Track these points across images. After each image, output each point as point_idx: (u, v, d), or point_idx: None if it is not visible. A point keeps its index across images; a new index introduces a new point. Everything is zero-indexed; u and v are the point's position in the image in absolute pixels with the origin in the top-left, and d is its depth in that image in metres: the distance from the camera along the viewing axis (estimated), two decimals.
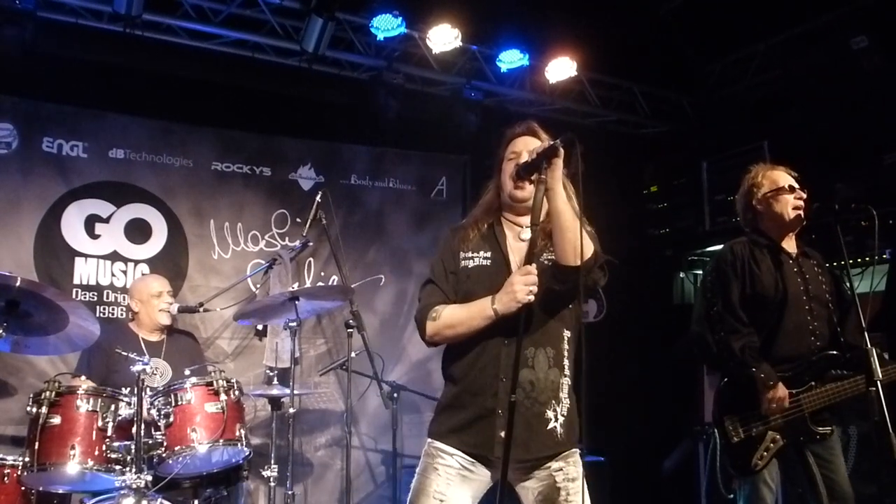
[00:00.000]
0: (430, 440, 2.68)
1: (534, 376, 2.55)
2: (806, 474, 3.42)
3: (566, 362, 2.64)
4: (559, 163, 2.48)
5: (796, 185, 3.56)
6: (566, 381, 2.63)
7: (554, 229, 2.54)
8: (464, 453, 2.59)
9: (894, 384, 3.27)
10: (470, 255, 2.73)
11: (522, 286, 2.47)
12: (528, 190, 2.67)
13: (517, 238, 2.75)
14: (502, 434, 2.47)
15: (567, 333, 2.67)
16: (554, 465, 2.59)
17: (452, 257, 2.76)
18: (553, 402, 2.58)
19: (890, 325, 4.19)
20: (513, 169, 2.69)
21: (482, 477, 2.62)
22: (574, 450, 2.63)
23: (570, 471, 2.60)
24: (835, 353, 3.45)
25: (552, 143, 2.49)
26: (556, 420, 2.58)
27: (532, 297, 2.47)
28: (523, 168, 2.59)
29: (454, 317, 2.63)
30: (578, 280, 2.52)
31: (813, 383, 3.42)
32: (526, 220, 2.72)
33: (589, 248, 2.53)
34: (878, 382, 2.91)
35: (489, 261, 2.71)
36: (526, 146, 2.73)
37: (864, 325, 3.00)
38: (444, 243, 2.85)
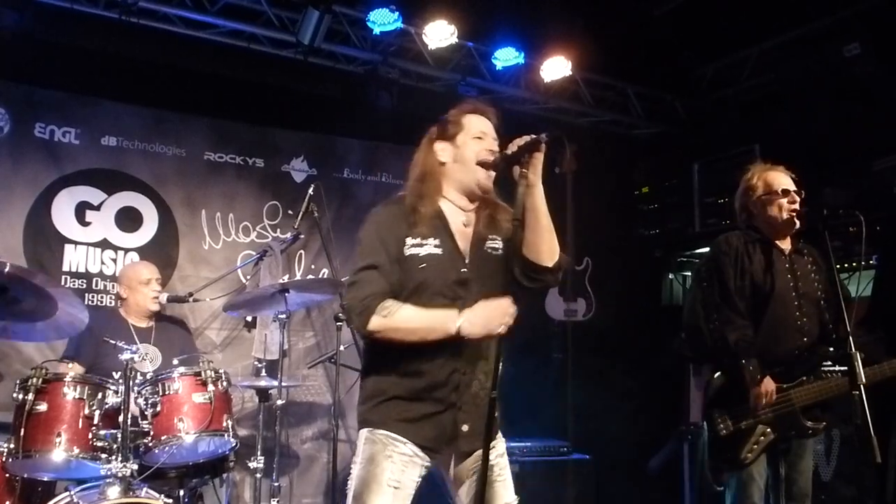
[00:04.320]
0: (372, 429, 2.55)
1: (487, 367, 2.55)
2: (772, 470, 3.47)
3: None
4: (541, 157, 2.44)
5: (791, 189, 3.57)
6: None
7: (531, 227, 2.51)
8: (417, 445, 2.53)
9: (880, 385, 3.31)
10: (419, 241, 2.55)
11: (499, 321, 2.38)
12: (492, 178, 2.62)
13: (461, 224, 2.65)
14: (464, 428, 2.53)
15: None
16: None
17: (397, 243, 2.54)
18: (495, 388, 2.51)
19: (874, 330, 4.22)
20: (484, 153, 2.59)
21: (426, 462, 2.58)
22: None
23: (499, 447, 2.62)
24: (828, 348, 3.47)
25: (536, 136, 2.42)
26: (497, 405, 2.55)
27: (504, 330, 2.38)
28: (502, 160, 2.52)
29: (411, 323, 2.45)
30: (548, 279, 2.57)
31: (804, 378, 3.45)
32: (469, 203, 2.67)
33: (558, 249, 2.54)
34: (862, 386, 2.94)
35: (440, 249, 2.56)
36: (489, 129, 2.66)
37: (849, 329, 3.04)
38: (383, 222, 2.60)
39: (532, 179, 2.44)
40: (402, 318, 2.45)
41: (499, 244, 2.67)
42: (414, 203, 2.60)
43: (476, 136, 2.65)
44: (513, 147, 2.48)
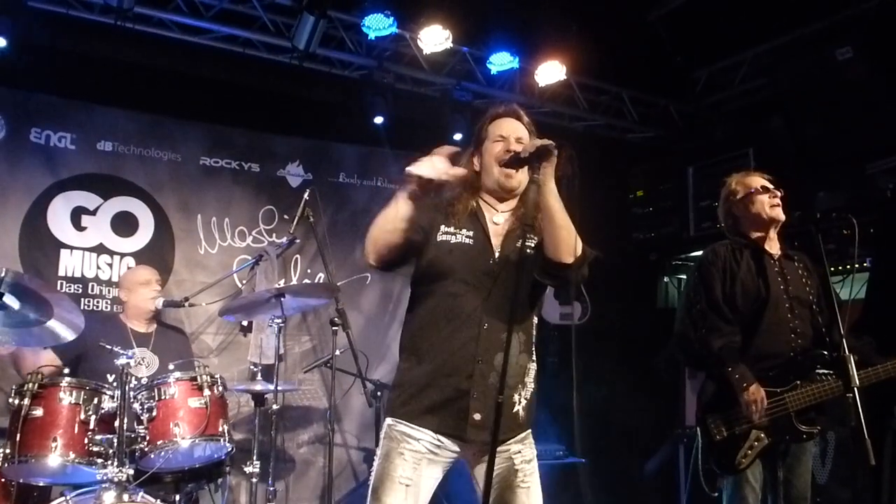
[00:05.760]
0: (392, 422, 2.62)
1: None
2: (770, 474, 3.48)
3: (533, 348, 2.69)
4: (552, 164, 2.49)
5: (770, 186, 3.62)
6: (533, 367, 2.68)
7: (546, 226, 2.56)
8: (434, 433, 2.57)
9: (874, 387, 3.33)
10: (452, 230, 2.68)
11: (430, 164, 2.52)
12: (516, 179, 2.71)
13: (492, 221, 2.74)
14: (476, 417, 2.54)
15: (535, 320, 2.75)
16: (513, 447, 2.62)
17: (430, 225, 2.70)
18: (520, 386, 2.63)
19: (868, 333, 4.24)
20: (501, 153, 2.69)
21: (447, 456, 2.61)
22: (529, 430, 2.68)
23: (526, 453, 2.65)
24: (821, 352, 3.48)
25: (547, 143, 2.47)
26: (520, 403, 2.63)
27: (428, 175, 2.52)
28: (513, 160, 2.59)
29: (379, 218, 2.61)
30: (569, 276, 2.58)
31: (798, 382, 3.45)
32: (503, 205, 2.77)
33: (580, 245, 2.57)
34: (856, 389, 2.95)
35: (471, 240, 2.67)
36: (512, 130, 2.75)
37: (842, 331, 3.05)
38: (423, 207, 2.75)
39: (541, 180, 2.48)
40: (373, 226, 2.61)
41: (533, 243, 2.68)
42: (452, 200, 2.75)
43: (495, 139, 2.76)
44: (524, 153, 2.54)
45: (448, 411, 2.56)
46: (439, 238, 2.68)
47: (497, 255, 2.67)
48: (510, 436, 2.61)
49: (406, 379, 2.65)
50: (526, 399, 2.65)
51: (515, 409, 2.62)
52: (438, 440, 2.58)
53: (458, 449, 2.61)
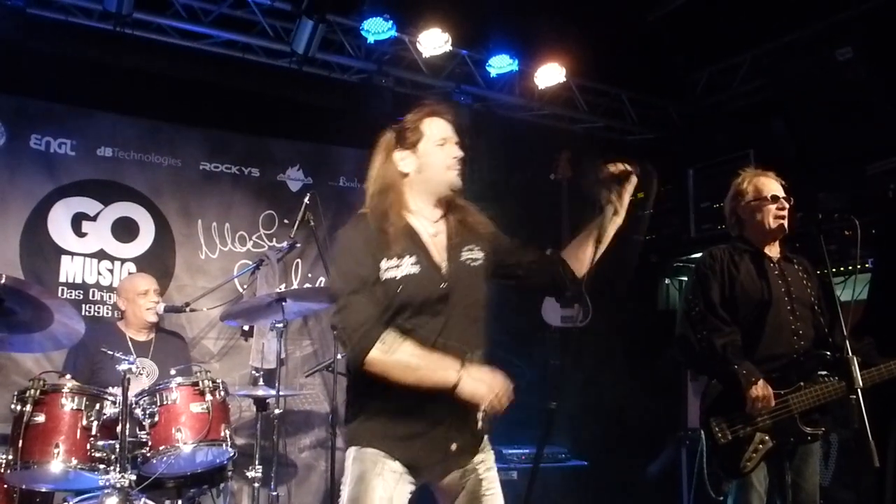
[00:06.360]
0: (360, 448, 2.48)
1: None
2: (778, 478, 3.46)
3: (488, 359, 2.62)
4: (631, 189, 2.60)
5: (780, 195, 3.59)
6: None
7: (590, 246, 2.67)
8: (408, 462, 2.48)
9: (878, 387, 3.32)
10: (395, 262, 2.45)
11: (495, 394, 2.36)
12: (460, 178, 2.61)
13: (430, 235, 2.58)
14: (453, 447, 2.51)
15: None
16: (476, 457, 2.59)
17: (372, 266, 2.44)
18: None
19: (870, 334, 4.24)
20: (451, 160, 2.57)
21: (419, 479, 2.57)
22: (486, 437, 2.64)
23: (488, 460, 2.62)
24: (824, 353, 3.46)
25: (629, 169, 2.60)
26: (480, 416, 2.55)
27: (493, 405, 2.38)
28: (598, 182, 2.66)
29: (411, 364, 2.36)
30: (581, 288, 2.70)
31: (801, 384, 3.43)
32: (434, 211, 2.62)
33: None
34: (859, 390, 2.94)
35: (418, 266, 2.47)
36: (451, 132, 2.61)
37: (845, 332, 3.04)
38: (355, 246, 2.50)
39: (619, 209, 2.61)
40: (404, 359, 2.37)
41: (477, 255, 2.61)
42: (380, 222, 2.51)
43: (438, 142, 2.59)
44: (609, 172, 2.62)
45: (424, 444, 2.48)
46: (384, 276, 2.44)
47: (444, 275, 2.52)
48: (475, 451, 2.58)
49: (373, 408, 2.50)
50: (485, 411, 2.50)
51: (480, 425, 2.55)
52: (412, 466, 2.49)
53: (432, 473, 2.57)
